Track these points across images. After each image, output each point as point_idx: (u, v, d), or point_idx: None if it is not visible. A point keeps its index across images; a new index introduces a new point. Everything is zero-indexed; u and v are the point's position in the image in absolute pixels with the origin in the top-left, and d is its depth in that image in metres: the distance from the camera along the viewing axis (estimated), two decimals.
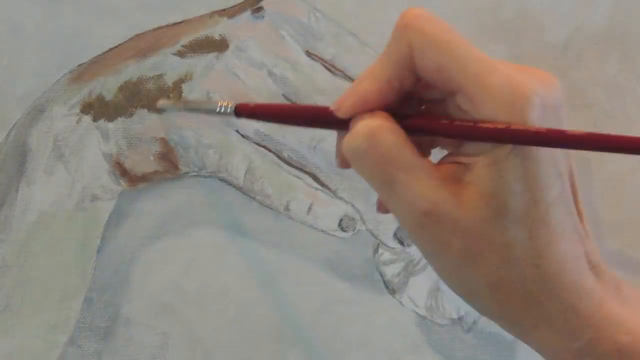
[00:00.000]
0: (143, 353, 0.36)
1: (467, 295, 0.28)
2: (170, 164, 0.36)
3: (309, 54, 0.37)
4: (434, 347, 0.37)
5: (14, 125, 0.37)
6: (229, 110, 0.29)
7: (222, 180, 0.37)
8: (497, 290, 0.27)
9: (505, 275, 0.27)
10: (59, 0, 0.37)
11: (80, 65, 0.37)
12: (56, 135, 0.36)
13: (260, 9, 0.37)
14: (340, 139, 0.29)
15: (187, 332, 0.36)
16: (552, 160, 0.26)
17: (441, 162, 0.28)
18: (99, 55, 0.37)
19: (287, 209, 0.37)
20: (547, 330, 0.27)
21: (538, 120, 0.25)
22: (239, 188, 0.37)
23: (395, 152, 0.27)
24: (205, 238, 0.37)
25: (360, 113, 0.27)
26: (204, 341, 0.36)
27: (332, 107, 0.28)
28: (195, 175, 0.37)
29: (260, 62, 0.37)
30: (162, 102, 0.32)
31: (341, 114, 0.28)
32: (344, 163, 0.29)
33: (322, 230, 0.37)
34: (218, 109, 0.29)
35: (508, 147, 0.25)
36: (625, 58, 0.38)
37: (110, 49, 0.37)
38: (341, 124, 0.27)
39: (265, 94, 0.36)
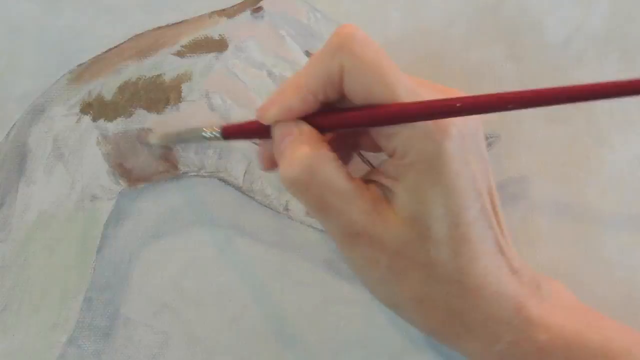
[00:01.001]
0: (142, 353, 0.36)
1: (394, 307, 0.30)
2: (169, 163, 0.36)
3: (308, 54, 0.37)
4: (433, 347, 0.37)
5: (14, 125, 0.37)
6: (216, 134, 0.31)
7: (221, 180, 0.36)
8: (422, 304, 0.29)
9: (430, 291, 0.28)
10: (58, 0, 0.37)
11: (79, 65, 0.37)
12: (56, 135, 0.36)
13: (259, 9, 0.37)
14: (262, 144, 0.31)
15: (186, 331, 0.36)
16: (471, 182, 0.28)
17: (368, 179, 0.30)
18: (99, 55, 0.37)
19: (286, 208, 0.36)
20: (470, 338, 0.28)
21: (457, 149, 0.27)
22: (238, 188, 0.36)
23: (332, 181, 0.28)
24: (204, 238, 0.37)
25: (290, 133, 0.28)
26: (203, 341, 0.36)
27: (256, 114, 0.29)
28: (195, 175, 0.36)
29: (260, 62, 0.36)
30: (152, 138, 0.34)
31: (265, 121, 0.29)
32: (269, 166, 0.31)
33: (321, 230, 0.36)
34: (206, 135, 0.31)
35: (427, 173, 0.27)
36: (625, 58, 0.37)
37: (110, 49, 0.37)
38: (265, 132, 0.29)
39: (264, 94, 0.36)
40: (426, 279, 0.28)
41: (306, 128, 0.28)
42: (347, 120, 0.28)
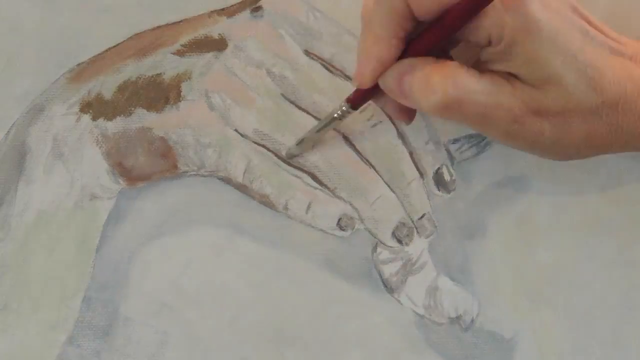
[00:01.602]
0: (142, 352, 0.37)
1: (569, 157, 0.35)
2: (169, 163, 0.37)
3: (307, 53, 0.38)
4: (432, 346, 0.38)
5: (13, 124, 0.38)
6: (347, 109, 0.34)
7: (221, 179, 0.37)
8: (589, 137, 0.33)
9: (592, 125, 0.32)
10: None
11: (79, 64, 0.38)
12: (55, 134, 0.37)
13: (259, 8, 0.38)
14: (387, 105, 0.35)
15: (186, 331, 0.37)
16: (562, 21, 0.31)
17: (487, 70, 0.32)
18: (98, 54, 0.38)
19: (285, 207, 0.37)
20: (629, 139, 0.33)
21: (537, 7, 0.30)
22: (237, 187, 0.37)
23: (472, 85, 0.31)
24: (204, 237, 0.38)
25: (405, 72, 0.31)
26: (202, 340, 0.37)
27: (354, 84, 0.33)
28: (194, 175, 0.37)
29: (259, 61, 0.37)
30: (292, 151, 0.36)
31: (367, 84, 0.32)
32: (404, 117, 0.35)
33: (321, 229, 0.37)
34: (338, 115, 0.34)
35: (527, 41, 0.30)
36: None
37: (109, 49, 0.38)
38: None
39: (263, 92, 0.36)
40: (583, 117, 0.32)
41: (415, 60, 0.32)
42: (437, 35, 0.31)
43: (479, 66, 0.33)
